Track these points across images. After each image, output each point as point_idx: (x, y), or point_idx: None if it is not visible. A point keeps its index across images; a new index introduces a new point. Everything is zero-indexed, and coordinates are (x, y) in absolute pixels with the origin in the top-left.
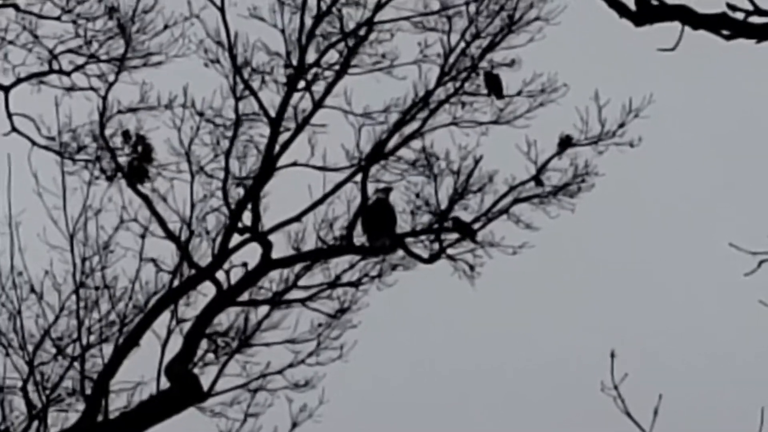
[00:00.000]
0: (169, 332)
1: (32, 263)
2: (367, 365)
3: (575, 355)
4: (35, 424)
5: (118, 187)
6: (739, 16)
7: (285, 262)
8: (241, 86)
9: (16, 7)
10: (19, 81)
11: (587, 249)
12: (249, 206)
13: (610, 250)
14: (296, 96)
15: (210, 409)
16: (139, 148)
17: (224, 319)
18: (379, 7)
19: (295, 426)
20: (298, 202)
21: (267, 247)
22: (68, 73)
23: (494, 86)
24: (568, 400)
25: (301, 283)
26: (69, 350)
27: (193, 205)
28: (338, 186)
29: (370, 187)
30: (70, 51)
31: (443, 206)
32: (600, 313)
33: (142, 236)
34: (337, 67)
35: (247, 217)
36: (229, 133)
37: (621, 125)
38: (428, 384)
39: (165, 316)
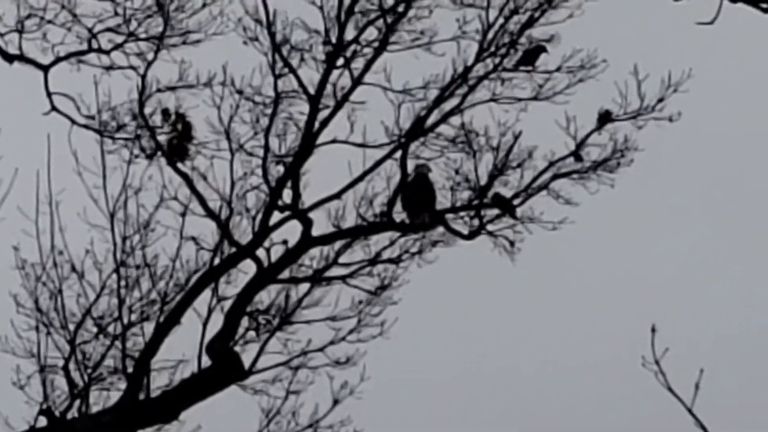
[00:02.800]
0: (210, 310)
1: (73, 242)
2: (408, 342)
3: (615, 331)
4: (77, 402)
5: (158, 165)
6: None
7: (325, 240)
8: (280, 64)
9: None
10: (58, 60)
11: (626, 224)
12: (289, 184)
13: (649, 225)
14: (335, 73)
15: (251, 387)
16: (179, 127)
17: (265, 296)
18: None
19: (336, 403)
20: (338, 179)
21: (307, 224)
22: (107, 52)
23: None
24: (610, 376)
25: (341, 260)
26: (110, 329)
27: (233, 183)
28: (378, 163)
29: (410, 164)
30: (108, 30)
31: (483, 182)
32: (641, 288)
33: (183, 215)
34: (375, 44)
35: (287, 195)
36: (269, 111)
37: (660, 100)
38: (468, 360)
39: (206, 294)
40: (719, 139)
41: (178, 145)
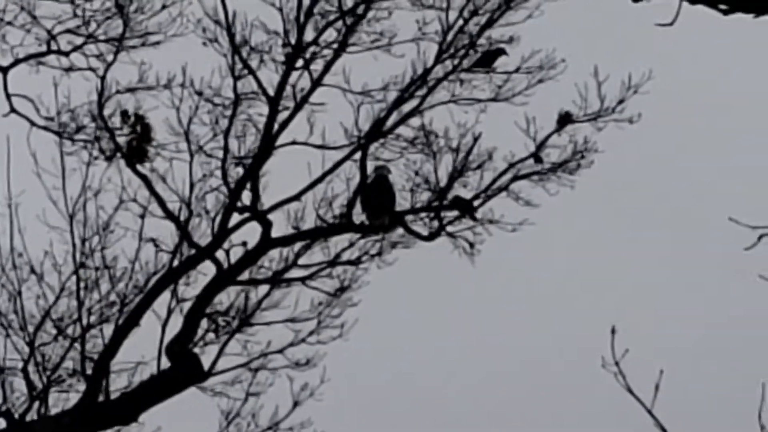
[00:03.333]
0: (170, 312)
1: (32, 244)
2: (368, 343)
3: (576, 332)
4: (36, 404)
5: (117, 167)
6: None
7: (285, 241)
8: (239, 65)
9: None
10: (17, 62)
11: (586, 225)
12: (248, 185)
13: (609, 226)
14: (295, 74)
15: (211, 389)
16: (138, 128)
17: (224, 298)
18: None
19: (296, 405)
20: (298, 180)
21: (266, 226)
22: (67, 54)
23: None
24: (569, 376)
25: (300, 261)
26: (69, 331)
27: (192, 185)
28: (337, 164)
29: (370, 165)
30: (68, 31)
31: (443, 184)
32: (600, 291)
33: (142, 216)
34: (335, 46)
35: (246, 196)
36: (228, 113)
37: (620, 101)
38: (430, 361)
39: (165, 296)
40: (678, 139)
41: (137, 147)
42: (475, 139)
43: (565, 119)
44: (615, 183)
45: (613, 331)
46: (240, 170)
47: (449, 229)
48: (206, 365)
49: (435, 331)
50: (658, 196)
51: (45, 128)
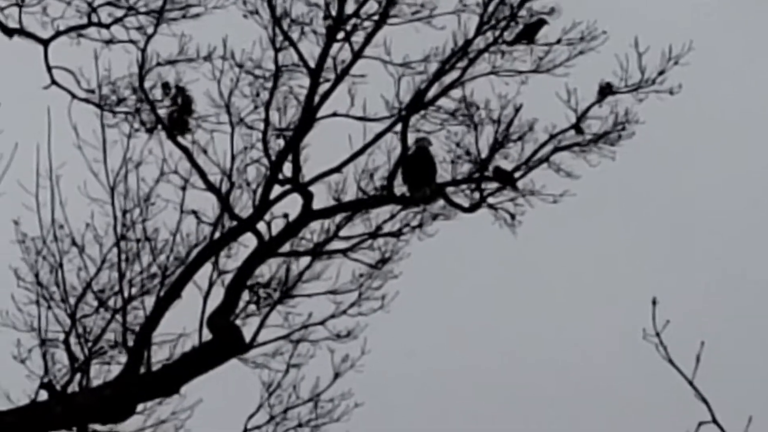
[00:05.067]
0: (211, 284)
1: (73, 216)
2: (409, 315)
3: (618, 305)
4: (78, 376)
5: (158, 139)
6: None
7: (326, 213)
8: (280, 37)
9: None
10: (58, 34)
11: (629, 197)
12: (289, 157)
13: (651, 196)
14: (336, 47)
15: (252, 361)
16: (179, 100)
17: (266, 270)
18: None
19: (337, 376)
20: (339, 152)
21: (308, 197)
22: (107, 26)
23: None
24: (611, 348)
25: (342, 233)
26: (111, 303)
27: (233, 157)
28: (378, 136)
29: (411, 137)
30: (108, 3)
31: (483, 155)
32: (641, 262)
33: (183, 188)
34: (376, 18)
35: (287, 168)
36: (269, 85)
37: (661, 72)
38: (468, 334)
39: (206, 268)
40: (721, 113)
41: (178, 119)
42: (516, 111)
43: (605, 90)
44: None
45: (654, 303)
46: (281, 142)
47: (490, 200)
48: (247, 337)
49: (476, 303)
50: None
51: (86, 101)
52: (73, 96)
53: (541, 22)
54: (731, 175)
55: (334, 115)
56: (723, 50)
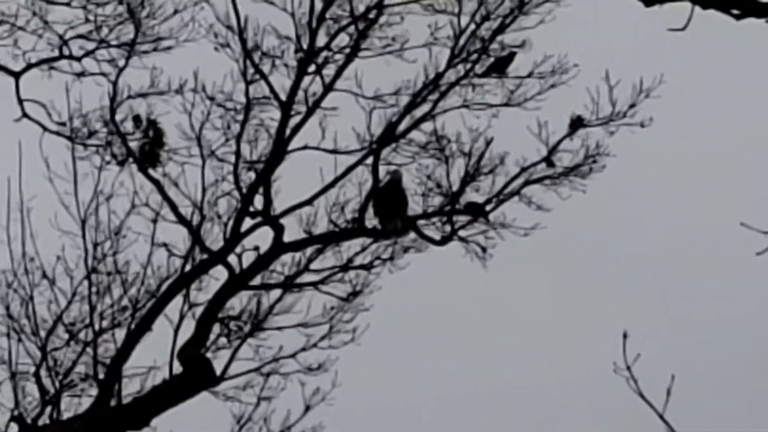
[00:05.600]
0: (182, 317)
1: (44, 249)
2: (380, 348)
3: (588, 338)
4: (48, 409)
5: (130, 171)
6: None
7: (297, 246)
8: (251, 70)
9: None
10: (29, 67)
11: (599, 229)
12: (260, 190)
13: (622, 229)
14: (307, 79)
15: (223, 393)
16: (150, 133)
17: (236, 303)
18: None
19: (308, 409)
20: (310, 185)
21: (279, 230)
22: (78, 59)
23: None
24: (582, 382)
25: (313, 266)
26: (81, 335)
27: (204, 190)
28: (349, 169)
29: (382, 170)
30: (80, 36)
31: (455, 188)
32: (612, 294)
33: (154, 221)
34: (347, 51)
35: (258, 201)
36: (240, 117)
37: (632, 105)
38: (440, 366)
39: (177, 301)
40: (691, 144)
41: (149, 152)
42: (488, 144)
43: (577, 123)
44: (627, 185)
45: (624, 336)
46: (252, 175)
47: (461, 233)
48: (218, 370)
49: (447, 335)
50: (671, 197)
51: (57, 133)
52: (45, 128)
53: (512, 56)
54: (706, 208)
55: (305, 147)
56: (694, 83)
